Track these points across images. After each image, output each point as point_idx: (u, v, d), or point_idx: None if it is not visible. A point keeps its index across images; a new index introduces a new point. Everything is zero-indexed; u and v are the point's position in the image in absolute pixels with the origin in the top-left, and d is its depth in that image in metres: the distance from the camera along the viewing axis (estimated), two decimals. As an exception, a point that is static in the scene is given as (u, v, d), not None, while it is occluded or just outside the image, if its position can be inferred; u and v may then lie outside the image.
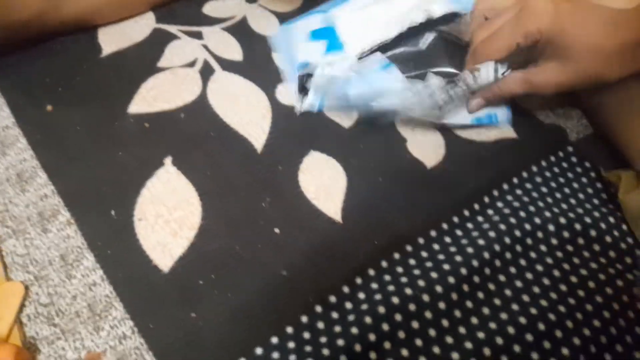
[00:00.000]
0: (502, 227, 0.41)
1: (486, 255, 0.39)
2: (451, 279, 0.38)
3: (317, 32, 0.50)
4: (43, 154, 0.43)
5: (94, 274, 0.36)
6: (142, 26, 0.55)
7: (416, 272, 0.37)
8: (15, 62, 0.49)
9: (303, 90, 0.48)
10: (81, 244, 0.38)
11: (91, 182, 0.41)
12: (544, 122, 0.51)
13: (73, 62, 0.50)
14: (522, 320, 0.36)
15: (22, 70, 0.49)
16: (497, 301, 0.37)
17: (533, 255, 0.40)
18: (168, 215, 0.40)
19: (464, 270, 0.38)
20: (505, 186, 0.45)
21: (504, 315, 0.36)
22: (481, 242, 0.40)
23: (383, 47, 0.46)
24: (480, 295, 0.37)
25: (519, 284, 0.38)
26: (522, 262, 0.40)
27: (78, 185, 0.41)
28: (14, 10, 0.45)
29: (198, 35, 0.54)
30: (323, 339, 0.33)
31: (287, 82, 0.50)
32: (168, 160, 0.43)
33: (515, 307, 0.37)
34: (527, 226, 0.41)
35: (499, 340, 0.35)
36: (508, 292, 0.38)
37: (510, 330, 0.36)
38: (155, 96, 0.48)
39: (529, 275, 0.39)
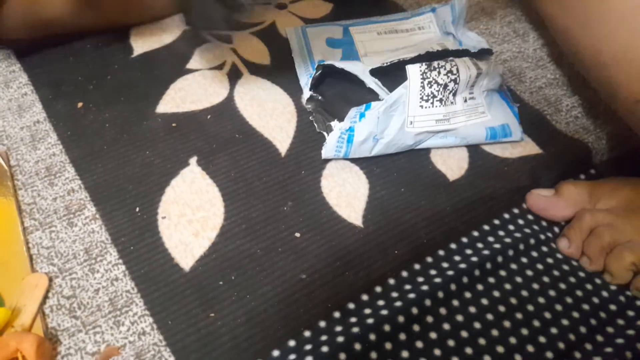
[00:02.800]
0: (521, 246, 0.40)
1: (503, 272, 0.39)
2: (467, 294, 0.38)
3: (335, 41, 0.53)
4: (72, 150, 0.44)
5: (116, 269, 0.37)
6: (172, 28, 0.56)
7: (437, 281, 0.37)
8: (48, 60, 0.51)
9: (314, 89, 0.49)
10: (105, 239, 0.38)
11: (118, 179, 0.42)
12: (571, 137, 0.50)
13: (104, 62, 0.51)
14: (542, 339, 0.36)
15: (54, 67, 0.50)
16: (519, 315, 0.37)
17: (556, 273, 0.40)
18: (191, 214, 0.40)
19: (480, 286, 0.38)
20: (525, 205, 0.44)
21: (524, 331, 0.36)
22: (500, 259, 0.39)
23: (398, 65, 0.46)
24: (502, 309, 0.37)
25: (541, 300, 0.38)
26: (545, 279, 0.39)
27: (105, 181, 0.42)
28: (44, 9, 0.47)
29: (227, 39, 0.55)
30: (340, 340, 0.33)
31: (299, 76, 0.51)
32: (193, 161, 0.44)
33: (535, 323, 0.36)
34: (545, 248, 0.41)
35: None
36: (530, 308, 0.37)
37: (530, 348, 0.35)
38: (184, 97, 0.48)
39: (552, 293, 0.38)
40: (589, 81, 0.48)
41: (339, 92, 0.49)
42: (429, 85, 0.43)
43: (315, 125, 0.47)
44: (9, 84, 0.49)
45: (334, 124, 0.45)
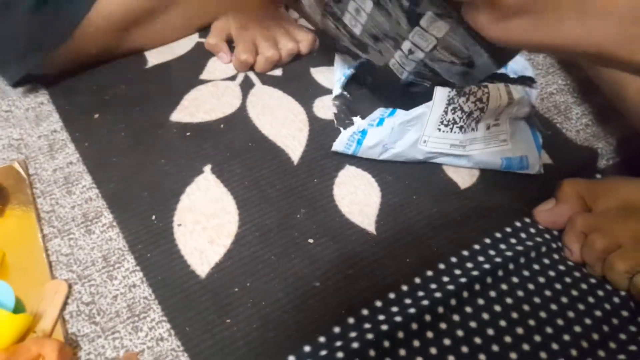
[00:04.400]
0: (533, 254, 0.41)
1: (515, 279, 0.39)
2: (480, 301, 0.38)
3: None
4: (89, 159, 0.44)
5: (134, 276, 0.37)
6: (185, 40, 0.57)
7: (450, 288, 0.37)
8: (64, 72, 0.51)
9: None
10: (122, 246, 0.39)
11: (134, 187, 0.42)
12: (581, 146, 0.51)
13: (119, 72, 0.52)
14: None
15: (71, 80, 0.51)
16: (531, 322, 0.37)
17: (568, 280, 0.40)
18: (206, 222, 0.41)
19: (492, 293, 0.38)
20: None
21: (537, 338, 0.36)
22: (512, 266, 0.40)
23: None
24: (515, 315, 0.37)
25: (554, 307, 0.38)
26: (557, 286, 0.39)
27: (121, 189, 0.42)
28: (85, 47, 0.49)
29: (239, 50, 0.56)
30: (355, 346, 0.33)
31: (335, 71, 0.52)
32: (207, 169, 0.44)
33: (549, 329, 0.37)
34: (556, 256, 0.41)
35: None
36: (543, 314, 0.37)
37: (543, 355, 0.35)
38: (197, 107, 0.49)
39: (565, 300, 0.39)
40: (597, 83, 0.49)
41: (368, 92, 0.50)
42: (453, 112, 0.42)
43: (335, 120, 0.48)
44: (26, 93, 0.50)
45: (356, 119, 0.45)
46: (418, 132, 0.43)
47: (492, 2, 0.28)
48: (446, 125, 0.43)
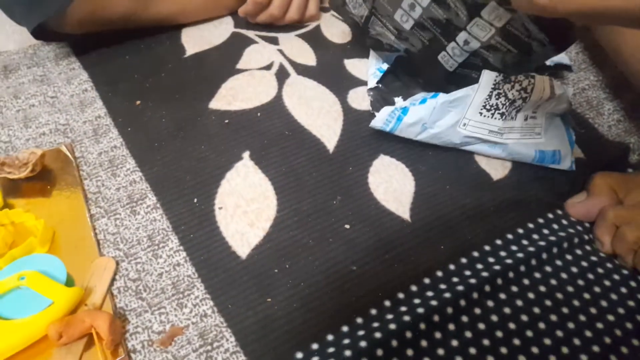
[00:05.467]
0: (565, 244, 0.41)
1: (548, 268, 0.40)
2: (514, 288, 0.39)
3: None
4: (132, 143, 0.46)
5: (177, 255, 0.39)
6: (221, 30, 0.58)
7: (484, 274, 0.38)
8: (105, 59, 0.53)
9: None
10: (166, 226, 0.40)
11: (176, 171, 0.44)
12: (612, 141, 0.51)
13: (158, 61, 0.54)
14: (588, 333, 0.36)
15: (111, 66, 0.53)
16: (565, 310, 0.38)
17: (600, 270, 0.40)
18: (246, 206, 0.42)
19: (526, 281, 0.39)
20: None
21: (571, 325, 0.37)
22: (545, 256, 0.40)
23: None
24: (548, 303, 0.38)
25: (587, 295, 0.39)
26: (590, 276, 0.40)
27: (164, 173, 0.44)
28: (108, 9, 0.50)
29: (274, 41, 0.57)
30: (392, 327, 0.34)
31: (369, 64, 0.53)
32: (246, 155, 0.46)
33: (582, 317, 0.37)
34: (588, 247, 0.42)
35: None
36: (576, 303, 0.38)
37: (576, 341, 0.36)
38: (235, 95, 0.51)
39: (597, 289, 0.39)
40: (629, 79, 0.49)
41: (403, 85, 0.50)
42: (497, 97, 0.43)
43: (371, 107, 0.49)
44: (70, 80, 0.52)
45: (397, 99, 0.46)
46: (459, 114, 0.44)
47: None
48: (488, 110, 0.44)
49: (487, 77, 0.42)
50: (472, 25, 0.39)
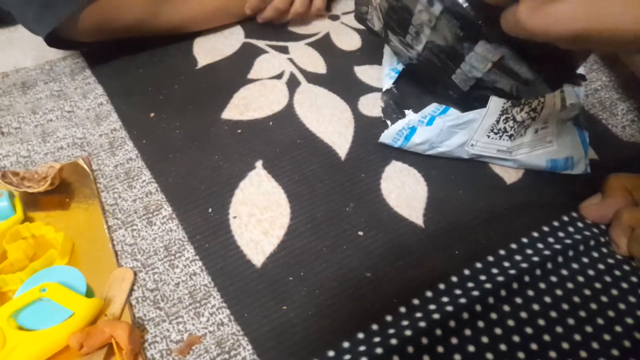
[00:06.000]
0: (581, 247, 0.41)
1: (564, 271, 0.39)
2: (530, 292, 0.39)
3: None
4: (147, 155, 0.47)
5: (194, 265, 0.39)
6: (232, 41, 0.59)
7: (499, 279, 0.38)
8: (119, 72, 0.54)
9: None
10: (182, 237, 0.41)
11: (190, 182, 0.45)
12: (626, 141, 0.51)
13: (171, 73, 0.55)
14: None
15: (125, 79, 0.54)
16: (582, 313, 0.37)
17: (618, 273, 0.40)
18: (260, 214, 0.42)
19: (542, 285, 0.39)
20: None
21: (588, 329, 0.36)
22: (560, 259, 0.40)
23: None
24: (565, 307, 0.38)
25: (604, 299, 0.38)
26: (607, 278, 0.40)
27: (179, 184, 0.44)
28: (119, 16, 0.51)
29: (284, 50, 0.58)
30: (408, 333, 0.34)
31: (383, 66, 0.54)
32: (259, 164, 0.46)
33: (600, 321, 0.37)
34: (604, 249, 0.41)
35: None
36: (594, 306, 0.38)
37: (595, 345, 0.36)
38: (247, 105, 0.51)
39: (615, 292, 0.39)
40: None
41: (417, 91, 0.50)
42: (505, 121, 0.43)
43: (382, 114, 0.49)
44: (86, 94, 0.53)
45: (408, 112, 0.46)
46: (466, 135, 0.44)
47: None
48: (496, 134, 0.44)
49: (495, 104, 0.42)
50: (469, 57, 0.39)
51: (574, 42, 0.28)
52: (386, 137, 0.46)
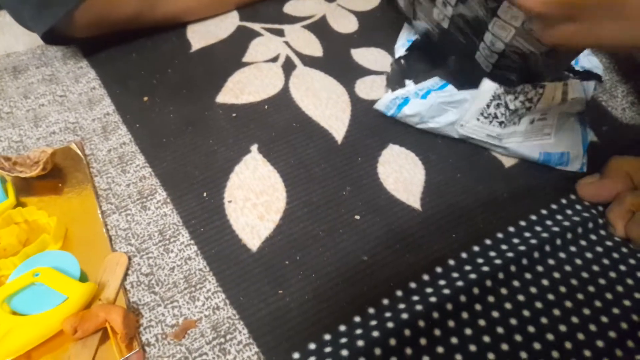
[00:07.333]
0: (579, 230, 0.41)
1: (562, 254, 0.39)
2: (528, 275, 0.38)
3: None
4: (141, 139, 0.46)
5: (189, 249, 0.39)
6: (227, 24, 0.58)
7: (497, 262, 0.38)
8: (112, 57, 0.53)
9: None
10: (177, 221, 0.41)
11: (185, 166, 0.44)
12: (626, 124, 0.50)
13: (165, 57, 0.54)
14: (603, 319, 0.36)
15: (119, 63, 0.53)
16: (580, 296, 0.37)
17: (616, 255, 0.40)
18: (255, 199, 0.42)
19: (540, 268, 0.39)
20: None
21: (586, 311, 0.36)
22: (558, 242, 0.40)
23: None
24: (563, 290, 0.37)
25: (602, 281, 0.38)
26: (605, 261, 0.39)
27: (173, 168, 0.44)
28: (115, 11, 0.50)
29: (280, 33, 0.57)
30: (404, 317, 0.34)
31: (400, 36, 0.54)
32: (254, 148, 0.45)
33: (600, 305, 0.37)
34: (602, 232, 0.41)
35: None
36: (591, 289, 0.38)
37: (592, 327, 0.35)
38: (242, 89, 0.50)
39: (613, 275, 0.39)
40: None
41: (425, 66, 0.49)
42: (496, 107, 0.42)
43: (386, 82, 0.49)
44: (78, 79, 0.52)
45: (408, 82, 0.46)
46: (457, 114, 0.44)
47: (540, 15, 0.31)
48: (486, 118, 0.43)
49: (485, 87, 0.42)
50: (492, 25, 0.39)
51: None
52: (381, 104, 0.46)
